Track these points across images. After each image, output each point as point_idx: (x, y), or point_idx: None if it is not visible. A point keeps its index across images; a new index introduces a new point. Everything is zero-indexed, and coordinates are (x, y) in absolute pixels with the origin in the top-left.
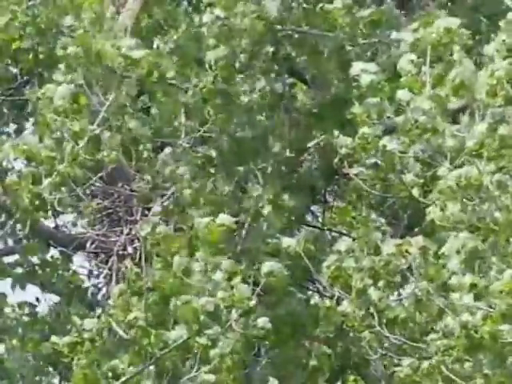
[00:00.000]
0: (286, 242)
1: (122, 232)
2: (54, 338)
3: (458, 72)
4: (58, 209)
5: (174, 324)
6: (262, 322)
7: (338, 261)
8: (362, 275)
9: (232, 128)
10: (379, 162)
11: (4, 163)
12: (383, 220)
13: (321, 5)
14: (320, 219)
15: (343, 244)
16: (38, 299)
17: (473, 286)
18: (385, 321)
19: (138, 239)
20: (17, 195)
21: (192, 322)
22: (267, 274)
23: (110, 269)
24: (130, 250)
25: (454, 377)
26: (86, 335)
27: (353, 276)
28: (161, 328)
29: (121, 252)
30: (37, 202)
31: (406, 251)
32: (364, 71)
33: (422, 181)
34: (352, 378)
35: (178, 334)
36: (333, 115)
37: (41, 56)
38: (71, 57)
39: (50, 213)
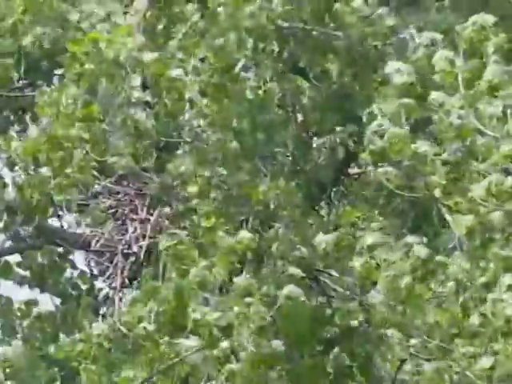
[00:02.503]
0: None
1: (127, 230)
2: (65, 342)
3: (491, 71)
4: (65, 210)
5: (188, 333)
6: (275, 344)
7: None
8: (398, 268)
9: (232, 122)
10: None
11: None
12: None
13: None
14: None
15: (370, 238)
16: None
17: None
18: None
19: (144, 237)
20: (25, 194)
21: (204, 335)
22: (286, 297)
23: (114, 267)
24: (135, 248)
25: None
26: (94, 340)
27: (382, 268)
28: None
29: (126, 251)
30: (44, 203)
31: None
32: (398, 71)
33: (444, 182)
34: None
35: (190, 343)
36: (337, 112)
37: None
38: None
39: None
